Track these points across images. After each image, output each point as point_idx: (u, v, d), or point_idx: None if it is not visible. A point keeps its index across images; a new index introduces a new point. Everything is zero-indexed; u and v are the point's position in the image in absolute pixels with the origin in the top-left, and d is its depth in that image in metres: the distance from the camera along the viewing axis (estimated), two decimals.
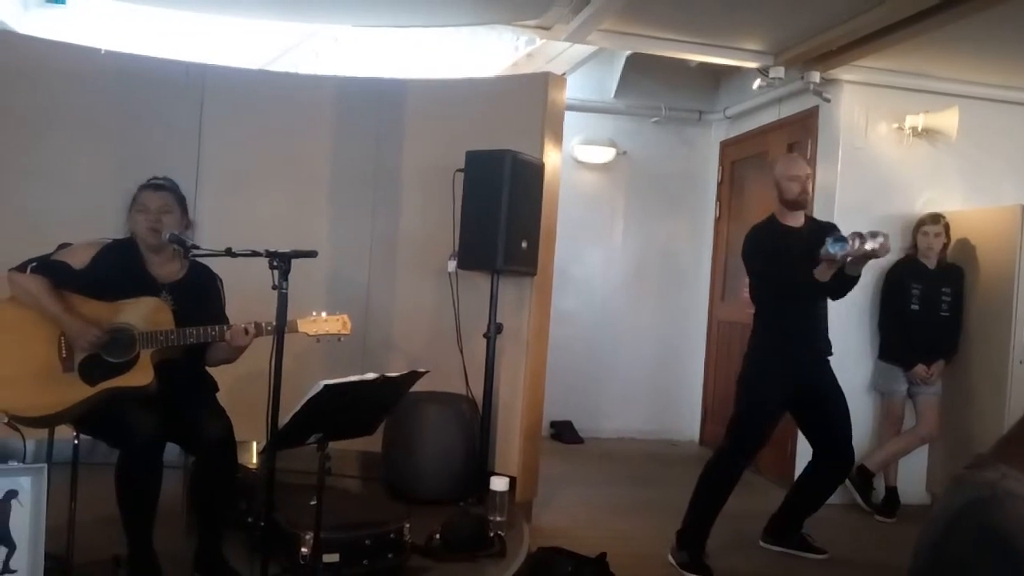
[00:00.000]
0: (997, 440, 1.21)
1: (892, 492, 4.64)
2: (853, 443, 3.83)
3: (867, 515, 4.56)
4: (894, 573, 1.32)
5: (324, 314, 2.88)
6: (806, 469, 3.88)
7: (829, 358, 3.77)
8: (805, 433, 3.87)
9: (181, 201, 2.96)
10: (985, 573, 1.07)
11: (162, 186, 2.93)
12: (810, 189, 3.75)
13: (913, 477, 4.81)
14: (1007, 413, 4.31)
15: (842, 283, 3.52)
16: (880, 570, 3.70)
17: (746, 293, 3.92)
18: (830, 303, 3.76)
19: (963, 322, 4.64)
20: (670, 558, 3.63)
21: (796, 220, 3.70)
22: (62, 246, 2.91)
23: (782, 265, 3.56)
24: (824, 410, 3.73)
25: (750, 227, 3.78)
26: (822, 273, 3.39)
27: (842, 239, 3.29)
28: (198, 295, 2.97)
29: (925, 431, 4.62)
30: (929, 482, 4.88)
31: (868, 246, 3.26)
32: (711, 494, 3.64)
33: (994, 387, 4.44)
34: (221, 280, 3.10)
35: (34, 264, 2.76)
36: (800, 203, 3.67)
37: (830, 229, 3.75)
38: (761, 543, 3.90)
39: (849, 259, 3.30)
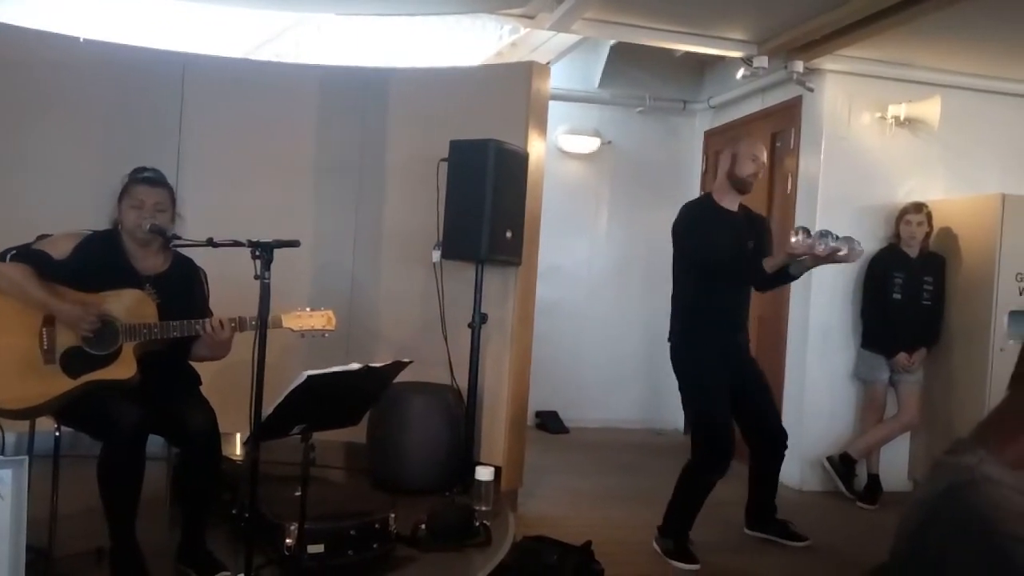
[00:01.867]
0: (975, 426, 1.22)
1: (874, 479, 4.68)
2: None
3: (849, 502, 4.60)
4: (876, 559, 1.33)
5: (308, 309, 2.86)
6: (750, 457, 3.84)
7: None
8: (735, 419, 3.70)
9: (174, 198, 2.93)
10: (964, 557, 1.07)
11: (158, 182, 2.88)
12: (757, 178, 3.67)
13: (895, 464, 4.85)
14: (988, 400, 4.35)
15: (776, 278, 3.49)
16: (862, 556, 3.73)
17: None
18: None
19: (945, 310, 4.68)
20: (654, 545, 3.65)
21: (732, 203, 3.65)
22: (41, 237, 2.87)
23: (716, 248, 3.50)
24: (749, 391, 3.67)
25: (682, 206, 3.72)
26: (773, 264, 3.37)
27: (826, 233, 3.29)
28: (182, 288, 2.94)
29: (907, 419, 4.66)
30: (911, 469, 4.92)
31: (843, 249, 3.27)
32: (689, 499, 3.62)
33: (975, 375, 4.48)
34: (205, 273, 3.07)
35: (13, 252, 2.72)
36: (747, 185, 3.61)
37: (763, 221, 3.77)
38: (745, 531, 3.93)
39: (809, 257, 3.29)
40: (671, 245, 3.69)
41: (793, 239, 3.27)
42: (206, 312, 2.93)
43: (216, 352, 2.89)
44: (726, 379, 3.60)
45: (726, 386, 3.59)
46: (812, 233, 3.27)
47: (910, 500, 1.21)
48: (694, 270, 3.60)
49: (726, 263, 3.52)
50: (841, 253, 3.29)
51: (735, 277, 3.58)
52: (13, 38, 4.09)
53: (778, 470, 3.85)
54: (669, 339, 3.75)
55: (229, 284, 2.97)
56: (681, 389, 3.73)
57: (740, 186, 3.61)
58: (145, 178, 2.88)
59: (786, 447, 3.79)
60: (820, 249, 3.26)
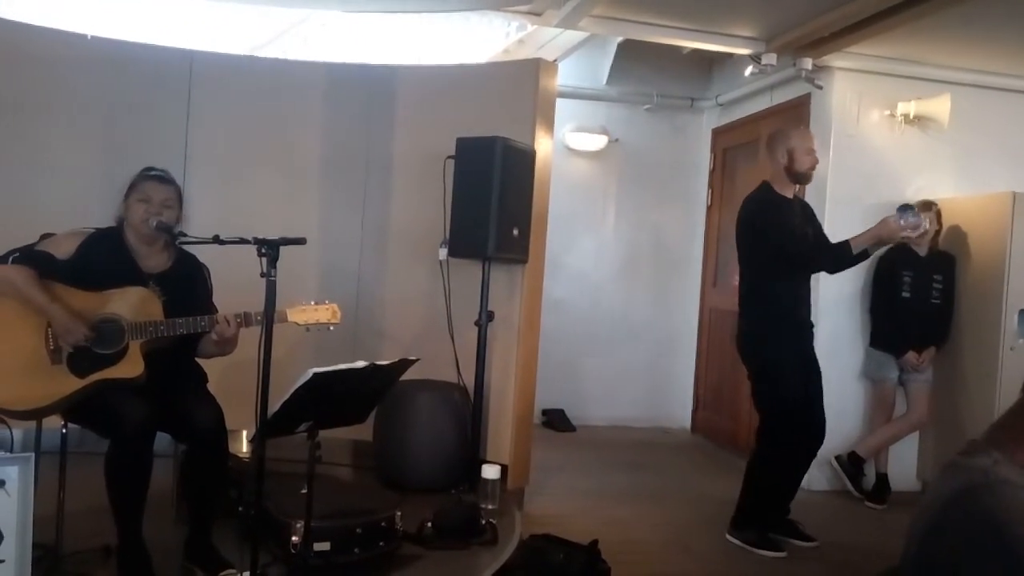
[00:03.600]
0: (989, 427, 1.21)
1: (883, 479, 4.66)
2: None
3: (858, 501, 4.58)
4: (885, 559, 1.31)
5: (313, 303, 2.86)
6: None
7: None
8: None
9: (180, 197, 2.93)
10: (978, 559, 1.06)
11: (167, 180, 2.89)
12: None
13: (904, 464, 4.83)
14: (997, 400, 4.32)
15: (853, 258, 3.56)
16: (871, 556, 3.71)
17: (737, 281, 3.91)
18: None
19: (954, 309, 4.65)
20: (730, 539, 3.69)
21: (790, 192, 3.71)
22: (44, 236, 2.87)
23: (795, 236, 3.56)
24: (815, 380, 3.74)
25: (745, 200, 3.74)
26: (859, 243, 3.47)
27: (907, 208, 3.40)
28: (186, 285, 2.94)
29: (916, 418, 4.64)
30: (920, 469, 4.90)
31: (924, 224, 3.47)
32: (770, 494, 3.68)
33: (985, 374, 4.46)
34: (208, 269, 3.07)
35: (16, 255, 2.71)
36: (808, 178, 3.70)
37: (807, 205, 3.80)
38: None
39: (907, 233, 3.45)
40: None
41: (903, 221, 3.41)
42: (210, 309, 2.93)
43: (223, 348, 2.89)
44: (803, 369, 3.66)
45: (804, 375, 3.66)
46: (907, 210, 3.46)
47: (922, 501, 1.20)
48: (776, 263, 3.60)
49: (815, 253, 3.58)
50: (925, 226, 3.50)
51: (823, 266, 3.64)
52: (21, 35, 4.09)
53: (806, 467, 3.87)
54: (738, 339, 3.77)
55: (235, 281, 2.96)
56: (758, 378, 3.72)
57: (801, 179, 3.69)
58: (154, 175, 2.89)
59: (819, 446, 3.83)
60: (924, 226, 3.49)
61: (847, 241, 3.53)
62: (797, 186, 3.75)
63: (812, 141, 3.70)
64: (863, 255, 3.59)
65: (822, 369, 3.94)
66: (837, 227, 4.22)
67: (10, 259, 2.70)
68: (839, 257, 3.53)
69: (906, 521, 1.24)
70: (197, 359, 3.01)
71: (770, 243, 3.60)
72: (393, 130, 4.43)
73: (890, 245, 4.63)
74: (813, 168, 3.67)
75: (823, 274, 4.62)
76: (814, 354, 3.78)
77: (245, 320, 2.77)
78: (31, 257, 2.73)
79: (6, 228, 3.05)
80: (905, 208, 3.40)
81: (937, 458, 4.71)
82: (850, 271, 4.69)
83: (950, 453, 1.21)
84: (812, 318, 3.79)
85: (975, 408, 4.49)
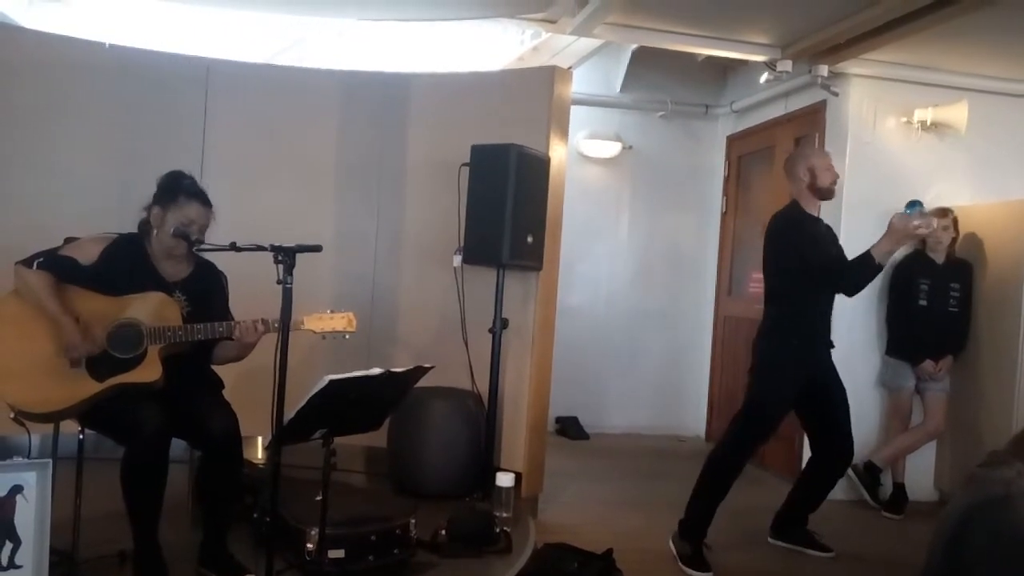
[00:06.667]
0: (1012, 438, 1.20)
1: (900, 488, 4.62)
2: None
3: (874, 511, 4.53)
4: (901, 570, 1.30)
5: (330, 311, 2.87)
6: (807, 465, 3.88)
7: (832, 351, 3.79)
8: (806, 426, 3.84)
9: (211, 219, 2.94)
10: (1000, 572, 1.05)
11: (208, 202, 2.89)
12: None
13: (921, 473, 4.78)
14: (1016, 409, 4.28)
15: (876, 268, 3.51)
16: (887, 567, 3.69)
17: (753, 288, 3.91)
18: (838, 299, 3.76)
19: (971, 317, 4.61)
20: (670, 544, 3.63)
21: (815, 210, 3.71)
22: (68, 240, 2.90)
23: (823, 251, 3.56)
24: (827, 403, 3.72)
25: (774, 216, 3.73)
26: (882, 252, 3.41)
27: (915, 203, 3.36)
28: (205, 293, 2.96)
29: (933, 427, 4.59)
30: (937, 479, 4.85)
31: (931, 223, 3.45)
32: (714, 486, 3.63)
33: (1002, 383, 4.41)
34: (226, 277, 3.09)
35: (40, 259, 2.74)
36: (831, 194, 3.69)
37: (829, 229, 3.79)
38: (769, 540, 3.88)
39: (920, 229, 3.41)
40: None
41: (917, 221, 3.36)
42: (227, 315, 2.95)
43: (241, 352, 2.91)
44: (800, 387, 3.62)
45: (798, 389, 3.63)
46: (916, 205, 3.43)
47: (942, 513, 1.19)
48: (802, 277, 3.58)
49: (841, 267, 3.55)
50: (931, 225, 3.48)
51: (848, 280, 3.57)
52: (40, 44, 4.14)
53: (832, 485, 3.85)
54: (756, 346, 3.75)
55: (251, 288, 2.98)
56: (755, 371, 3.71)
57: (824, 195, 3.68)
58: (198, 194, 2.88)
59: (848, 464, 3.83)
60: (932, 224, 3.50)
61: (867, 251, 3.47)
62: (820, 205, 3.74)
63: (829, 158, 3.71)
64: (879, 268, 3.53)
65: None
66: (853, 235, 4.20)
67: (35, 263, 2.73)
68: (863, 267, 3.45)
69: (924, 531, 1.23)
70: (212, 366, 3.03)
71: (797, 255, 3.57)
72: (408, 138, 4.44)
73: (908, 252, 4.64)
74: (835, 183, 3.67)
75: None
76: (832, 373, 3.73)
77: (264, 326, 2.78)
78: (55, 262, 2.75)
79: (24, 234, 3.10)
80: (913, 204, 3.36)
81: (955, 468, 4.67)
82: None
83: (968, 463, 1.20)
84: (833, 333, 3.76)
85: (993, 417, 4.44)
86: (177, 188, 2.87)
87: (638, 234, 6.38)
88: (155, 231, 2.86)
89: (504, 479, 3.62)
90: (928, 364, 4.50)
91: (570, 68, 4.86)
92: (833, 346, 3.79)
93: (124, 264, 2.83)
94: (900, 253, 4.67)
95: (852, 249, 4.56)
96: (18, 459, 2.54)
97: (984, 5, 3.71)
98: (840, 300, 4.73)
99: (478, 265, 4.01)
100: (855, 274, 3.51)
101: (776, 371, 3.63)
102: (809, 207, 3.67)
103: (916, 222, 3.37)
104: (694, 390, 6.39)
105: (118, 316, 2.73)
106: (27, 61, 4.07)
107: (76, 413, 2.74)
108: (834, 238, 3.79)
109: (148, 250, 2.89)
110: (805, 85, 5.04)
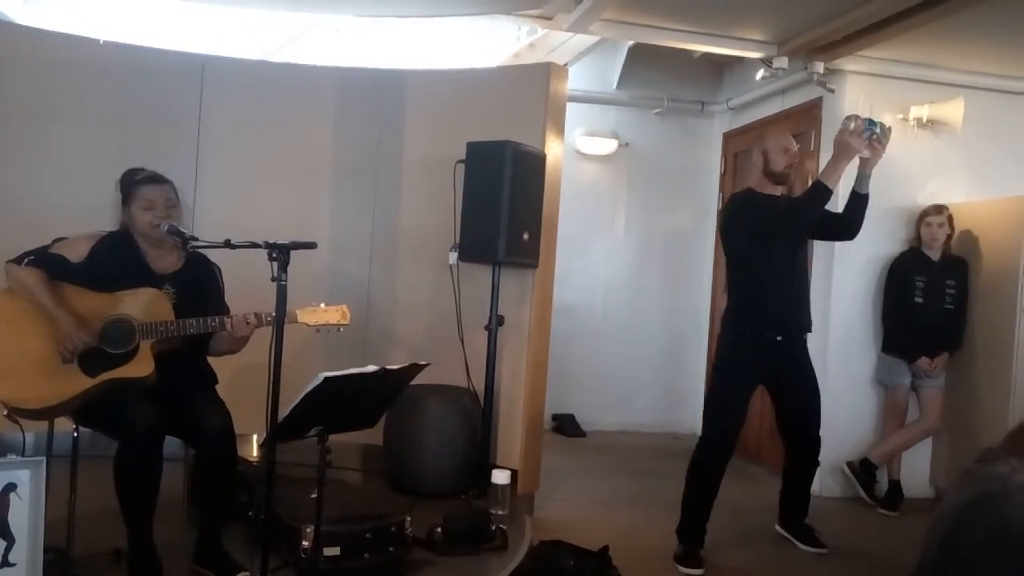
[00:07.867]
0: (1007, 434, 1.19)
1: (895, 485, 4.62)
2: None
3: (870, 508, 4.54)
4: (897, 567, 1.30)
5: (324, 304, 2.86)
6: (784, 461, 3.89)
7: (808, 335, 3.76)
8: (776, 415, 3.81)
9: (177, 192, 2.95)
10: (996, 568, 1.05)
11: (161, 179, 2.90)
12: (795, 167, 3.70)
13: (917, 470, 4.78)
14: (1011, 406, 4.29)
15: (856, 208, 3.47)
16: (883, 564, 3.69)
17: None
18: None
19: (967, 314, 4.61)
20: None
21: (775, 192, 3.64)
22: (57, 240, 2.89)
23: (782, 202, 3.48)
24: (791, 392, 3.70)
25: (722, 208, 3.71)
26: (834, 170, 3.33)
27: (853, 117, 3.34)
28: (198, 286, 2.96)
29: (929, 424, 4.60)
30: (932, 475, 4.86)
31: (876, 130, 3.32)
32: (700, 487, 3.62)
33: (998, 380, 4.42)
34: (219, 268, 3.08)
35: (31, 257, 2.73)
36: (786, 178, 3.61)
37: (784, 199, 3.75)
38: (777, 527, 3.92)
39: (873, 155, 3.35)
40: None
41: (852, 125, 3.29)
42: (223, 308, 2.95)
43: (234, 346, 2.90)
44: (761, 373, 3.61)
45: (754, 379, 3.62)
46: (854, 119, 3.34)
47: (938, 509, 1.18)
48: (759, 245, 3.53)
49: (806, 202, 3.43)
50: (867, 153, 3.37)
51: (808, 207, 3.44)
52: (33, 40, 4.12)
53: (809, 478, 3.85)
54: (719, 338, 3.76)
55: (246, 285, 2.97)
56: (714, 365, 3.74)
57: (780, 180, 3.61)
58: (148, 178, 2.89)
59: (816, 459, 3.81)
60: (871, 137, 3.31)
61: (817, 179, 3.40)
62: (782, 189, 3.65)
63: (788, 140, 3.62)
64: (859, 196, 3.50)
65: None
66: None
67: (24, 261, 2.73)
68: (818, 193, 3.36)
69: (919, 528, 1.23)
70: (207, 358, 3.02)
71: (755, 227, 3.51)
72: (404, 134, 4.43)
73: (904, 249, 4.64)
74: (790, 167, 3.58)
75: (836, 277, 4.62)
76: (799, 364, 3.69)
77: (256, 320, 2.78)
78: (44, 260, 2.75)
79: (19, 232, 3.07)
80: (851, 118, 3.29)
81: (950, 464, 4.67)
82: (861, 277, 4.71)
83: (963, 459, 1.20)
84: (817, 326, 3.72)
85: (988, 414, 4.45)
86: (130, 183, 2.89)
87: (634, 231, 6.38)
88: (133, 230, 2.87)
89: (500, 476, 3.62)
90: (924, 361, 4.51)
91: (566, 65, 4.85)
92: (809, 329, 3.73)
93: (114, 260, 2.82)
94: (896, 250, 4.68)
95: (850, 252, 4.60)
96: (12, 457, 2.53)
97: (979, 2, 3.70)
98: (837, 298, 4.74)
99: (474, 262, 4.00)
100: (815, 203, 3.41)
101: (729, 363, 3.63)
102: (766, 190, 3.61)
103: (852, 126, 3.28)
104: (690, 387, 6.39)
105: (110, 312, 2.73)
106: (20, 58, 4.05)
107: (69, 409, 2.74)
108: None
109: (138, 246, 2.89)
110: (801, 82, 5.03)
